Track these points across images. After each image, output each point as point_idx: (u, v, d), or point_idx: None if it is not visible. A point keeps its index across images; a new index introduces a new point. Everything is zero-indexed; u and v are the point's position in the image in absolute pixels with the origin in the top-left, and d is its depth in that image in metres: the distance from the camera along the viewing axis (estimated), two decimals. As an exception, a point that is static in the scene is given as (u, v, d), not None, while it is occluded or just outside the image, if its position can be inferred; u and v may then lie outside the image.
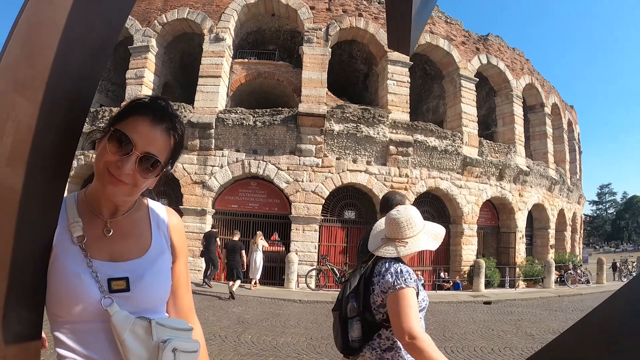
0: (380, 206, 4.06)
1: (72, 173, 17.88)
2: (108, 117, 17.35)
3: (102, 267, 1.17)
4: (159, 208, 1.40)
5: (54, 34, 0.95)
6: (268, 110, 16.58)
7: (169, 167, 1.30)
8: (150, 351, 1.12)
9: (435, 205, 18.85)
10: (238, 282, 12.81)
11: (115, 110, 17.62)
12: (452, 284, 17.48)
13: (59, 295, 1.10)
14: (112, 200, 1.23)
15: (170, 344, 1.11)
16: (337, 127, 16.44)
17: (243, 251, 13.38)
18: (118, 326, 1.10)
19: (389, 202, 3.81)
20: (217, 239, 14.29)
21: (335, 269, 15.67)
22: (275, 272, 16.34)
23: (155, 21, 18.56)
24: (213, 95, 17.10)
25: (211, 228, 15.00)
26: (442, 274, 17.99)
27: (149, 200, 1.39)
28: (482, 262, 16.67)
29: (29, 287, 1.02)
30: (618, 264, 27.32)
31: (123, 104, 17.36)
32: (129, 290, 1.17)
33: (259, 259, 14.08)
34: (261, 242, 14.31)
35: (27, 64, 0.92)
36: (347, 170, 16.53)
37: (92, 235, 1.21)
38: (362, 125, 16.58)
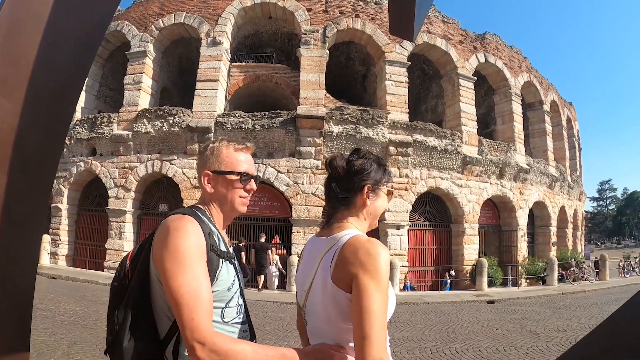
0: None
1: (71, 180, 17.91)
2: (107, 123, 17.44)
3: None
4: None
5: (37, 30, 0.90)
6: (267, 113, 16.56)
7: None
8: None
9: (436, 205, 18.81)
10: (263, 277, 15.24)
11: (114, 115, 17.63)
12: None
13: None
14: None
15: None
16: (336, 129, 16.41)
17: (269, 250, 15.26)
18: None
19: None
20: (243, 253, 15.16)
21: (337, 271, 15.60)
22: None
23: (152, 26, 18.57)
24: (211, 99, 17.08)
25: (239, 243, 15.31)
26: (452, 272, 17.99)
27: None
28: (485, 261, 16.62)
29: (17, 297, 0.98)
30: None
31: (122, 109, 17.52)
32: None
33: (274, 271, 15.62)
34: (276, 258, 15.70)
35: (8, 62, 0.88)
36: (347, 171, 16.42)
37: None
38: (361, 127, 16.55)
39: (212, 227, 1.60)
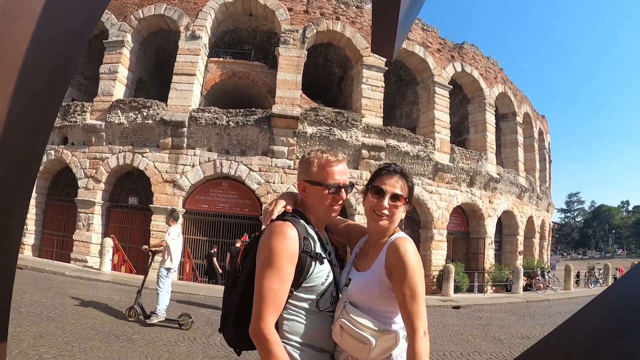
0: None
1: (41, 168, 17.53)
2: (80, 112, 17.17)
3: (351, 272, 1.91)
4: (392, 240, 1.87)
5: (28, 24, 0.91)
6: (242, 110, 16.52)
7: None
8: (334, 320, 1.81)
9: (406, 210, 18.91)
10: None
11: (87, 104, 17.40)
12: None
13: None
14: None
15: (339, 321, 1.75)
16: (310, 130, 16.48)
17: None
18: (339, 302, 1.83)
19: None
20: (215, 258, 15.88)
21: (305, 270, 15.68)
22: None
23: (132, 16, 18.34)
24: (187, 94, 16.96)
25: (211, 250, 16.22)
26: None
27: (399, 234, 1.89)
28: (452, 267, 16.82)
29: None
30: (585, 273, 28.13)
31: (96, 98, 17.26)
32: (348, 286, 1.85)
33: None
34: None
35: None
36: (320, 173, 16.45)
37: (360, 253, 2.00)
38: (335, 129, 16.65)
39: (309, 230, 1.90)
